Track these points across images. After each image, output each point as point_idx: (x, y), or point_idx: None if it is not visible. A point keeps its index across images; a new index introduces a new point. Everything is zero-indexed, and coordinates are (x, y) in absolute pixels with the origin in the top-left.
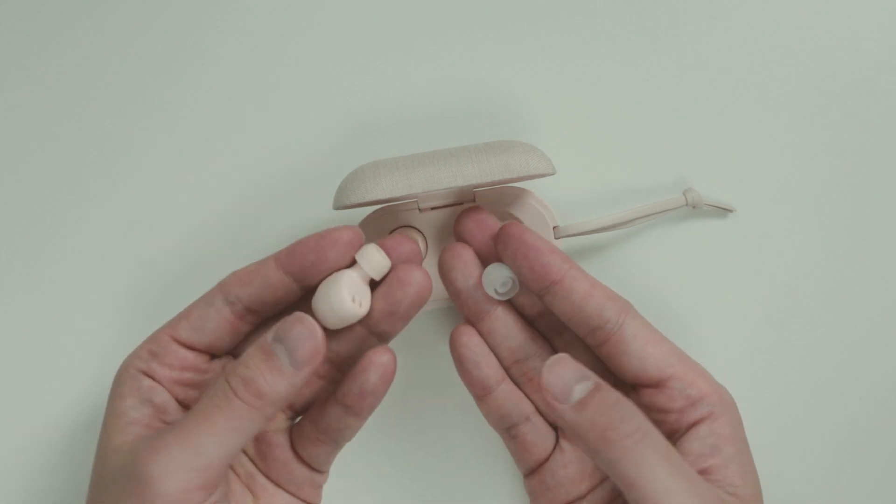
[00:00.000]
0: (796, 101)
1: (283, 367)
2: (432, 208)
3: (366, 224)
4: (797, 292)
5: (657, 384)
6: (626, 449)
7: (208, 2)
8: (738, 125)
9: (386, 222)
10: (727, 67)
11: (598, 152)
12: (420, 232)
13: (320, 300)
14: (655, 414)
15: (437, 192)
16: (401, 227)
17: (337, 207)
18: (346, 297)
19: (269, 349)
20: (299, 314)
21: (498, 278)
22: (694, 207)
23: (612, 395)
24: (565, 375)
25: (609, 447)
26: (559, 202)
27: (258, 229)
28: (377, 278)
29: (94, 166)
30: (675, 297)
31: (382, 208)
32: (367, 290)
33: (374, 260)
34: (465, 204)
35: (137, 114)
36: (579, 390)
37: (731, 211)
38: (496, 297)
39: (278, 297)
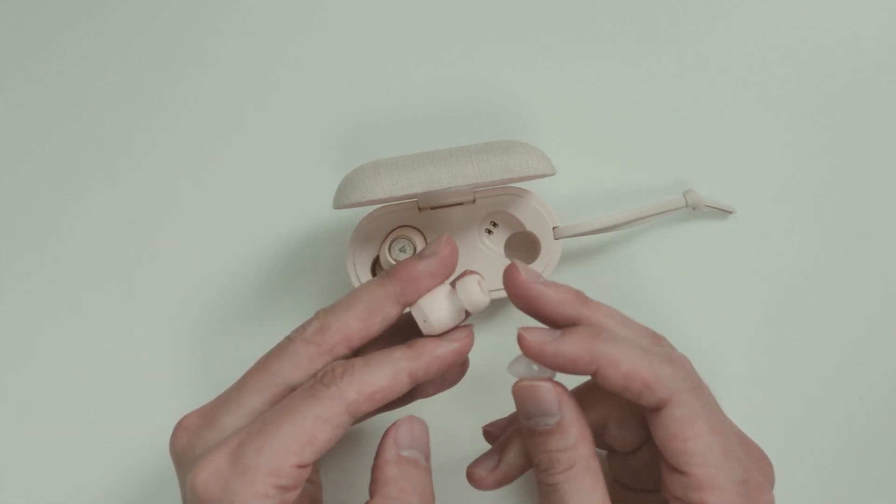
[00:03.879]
0: (796, 102)
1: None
2: (432, 208)
3: (366, 224)
4: (797, 293)
5: (672, 468)
6: (559, 482)
7: (208, 2)
8: (738, 125)
9: (386, 222)
10: (727, 67)
11: (598, 152)
12: (420, 232)
13: (418, 314)
14: (662, 472)
15: (436, 191)
16: (401, 226)
17: (337, 207)
18: (423, 318)
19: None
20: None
21: (518, 372)
22: (694, 209)
23: (565, 440)
24: (527, 404)
25: (546, 477)
26: (559, 202)
27: (258, 229)
28: (473, 312)
29: (94, 166)
30: (675, 298)
31: (382, 208)
32: (459, 318)
33: (473, 294)
34: (463, 203)
35: (137, 114)
36: (535, 422)
37: (730, 212)
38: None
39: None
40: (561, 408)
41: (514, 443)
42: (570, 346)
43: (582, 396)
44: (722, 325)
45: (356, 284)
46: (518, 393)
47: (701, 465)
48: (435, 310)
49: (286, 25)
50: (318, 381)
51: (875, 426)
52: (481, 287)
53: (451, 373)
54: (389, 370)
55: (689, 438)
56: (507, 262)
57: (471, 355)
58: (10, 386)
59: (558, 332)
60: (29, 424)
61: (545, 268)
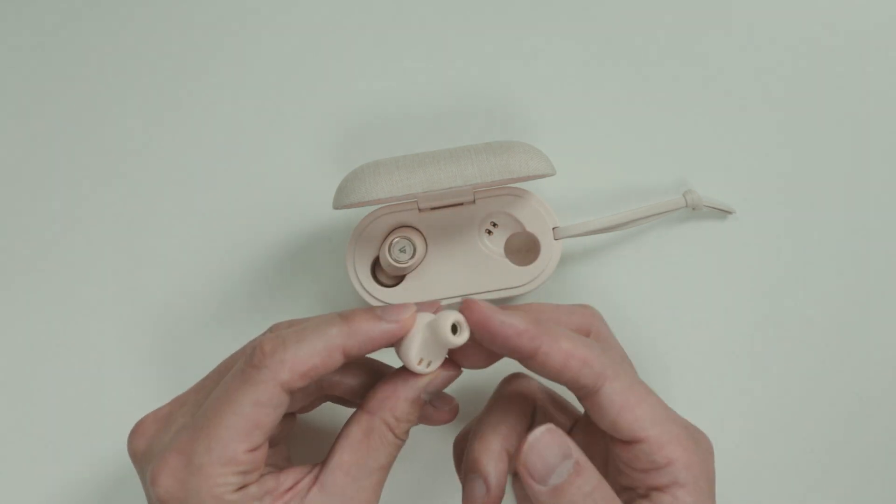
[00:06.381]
0: (796, 102)
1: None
2: (432, 208)
3: (365, 224)
4: (796, 293)
5: (629, 443)
6: None
7: (208, 2)
8: (738, 125)
9: (385, 222)
10: (727, 67)
11: (599, 152)
12: (420, 232)
13: (400, 349)
14: (621, 466)
15: (436, 192)
16: (401, 226)
17: (337, 207)
18: (414, 359)
19: None
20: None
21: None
22: (693, 209)
23: (590, 481)
24: (547, 455)
25: None
26: (559, 202)
27: (258, 229)
28: (445, 352)
29: (93, 165)
30: (674, 298)
31: (382, 208)
32: (442, 351)
33: (446, 336)
34: (463, 203)
35: (137, 114)
36: (559, 472)
37: (730, 213)
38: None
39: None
40: (570, 447)
41: (484, 454)
42: (518, 319)
43: (504, 398)
44: (721, 325)
45: (356, 284)
46: (532, 450)
47: (652, 425)
48: (412, 358)
49: (286, 26)
50: (248, 362)
51: (874, 425)
52: (457, 331)
53: (442, 416)
54: (322, 346)
55: (635, 405)
56: (507, 262)
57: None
58: (7, 385)
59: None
60: (21, 422)
61: (545, 268)
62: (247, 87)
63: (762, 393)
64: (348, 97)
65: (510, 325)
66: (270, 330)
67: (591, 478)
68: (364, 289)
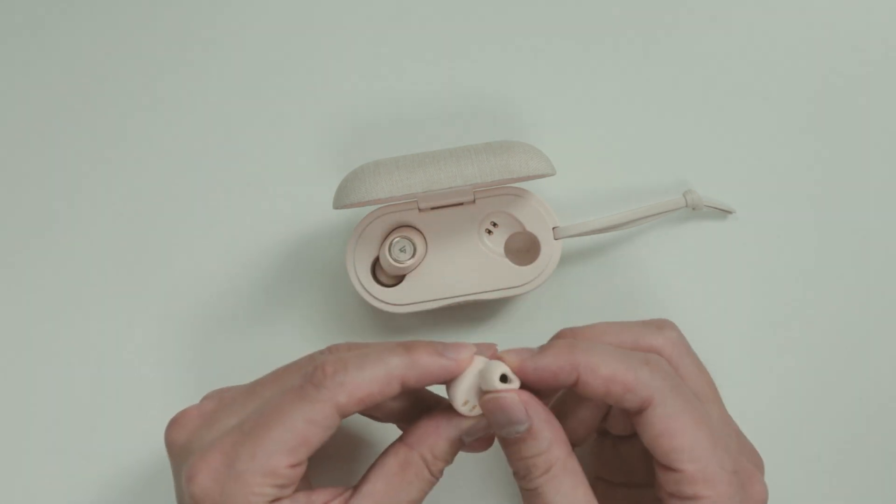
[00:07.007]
0: (797, 101)
1: None
2: (432, 208)
3: (365, 224)
4: (797, 293)
5: (664, 467)
6: (538, 486)
7: (208, 3)
8: (738, 125)
9: (386, 222)
10: (727, 67)
11: (598, 152)
12: (420, 232)
13: (450, 388)
14: (655, 481)
15: (436, 191)
16: (401, 226)
17: (337, 207)
18: (460, 400)
19: None
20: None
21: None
22: (693, 209)
23: (538, 445)
24: (498, 416)
25: (526, 483)
26: (559, 202)
27: (258, 228)
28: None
29: (94, 166)
30: (675, 298)
31: (382, 208)
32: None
33: (493, 385)
34: (463, 203)
35: (137, 115)
36: (508, 431)
37: (730, 212)
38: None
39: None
40: (529, 414)
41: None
42: (551, 358)
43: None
44: (721, 325)
45: (356, 284)
46: (485, 407)
47: (690, 459)
48: (459, 399)
49: (287, 25)
50: (309, 379)
51: (874, 426)
52: (506, 381)
53: (478, 444)
54: (382, 374)
55: (675, 435)
56: (507, 262)
57: None
58: (9, 385)
59: (536, 349)
60: (26, 423)
61: (545, 268)
62: (247, 87)
63: (762, 393)
64: (348, 97)
65: (542, 368)
66: (329, 350)
67: (538, 443)
68: (364, 288)
